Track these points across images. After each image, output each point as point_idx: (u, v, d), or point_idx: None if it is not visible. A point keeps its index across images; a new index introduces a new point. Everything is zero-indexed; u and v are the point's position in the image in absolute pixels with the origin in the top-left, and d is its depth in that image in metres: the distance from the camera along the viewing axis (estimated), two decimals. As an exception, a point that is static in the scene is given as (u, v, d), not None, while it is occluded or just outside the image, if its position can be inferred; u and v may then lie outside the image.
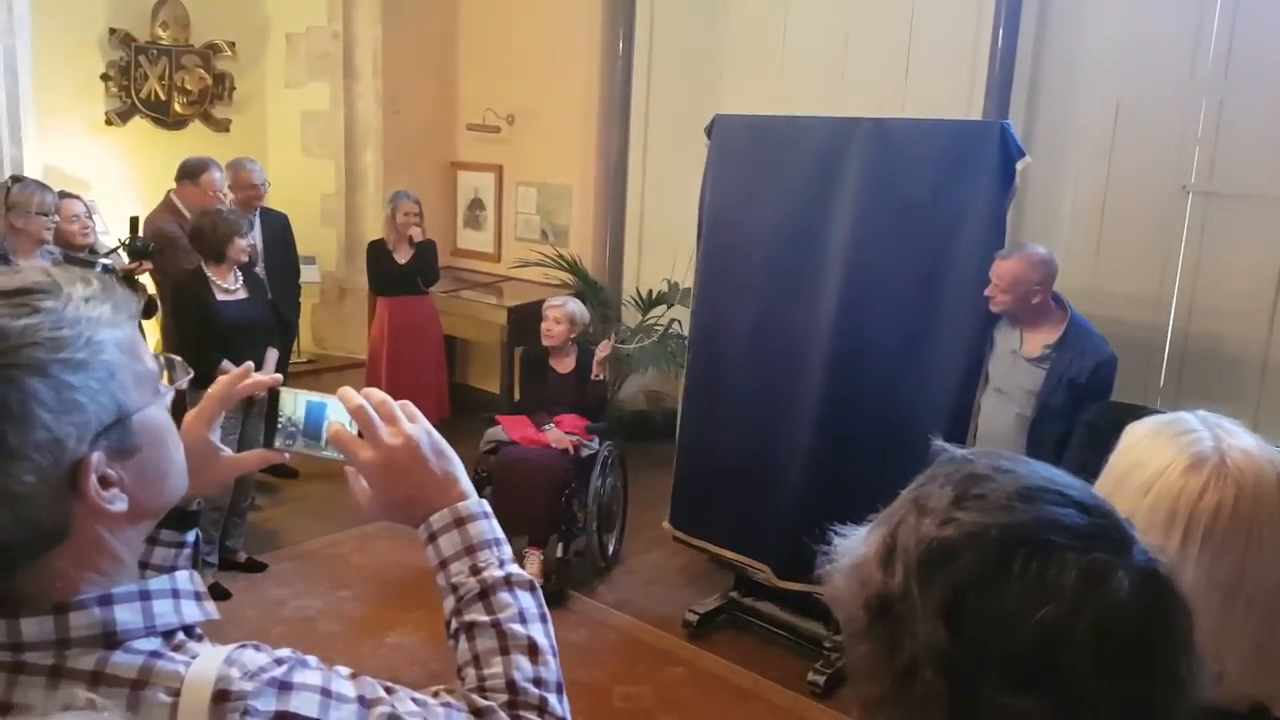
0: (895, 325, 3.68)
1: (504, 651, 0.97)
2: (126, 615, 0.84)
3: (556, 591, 4.37)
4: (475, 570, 1.00)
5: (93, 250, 4.50)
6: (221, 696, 0.82)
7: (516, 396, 5.25)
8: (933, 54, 4.95)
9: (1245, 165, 4.19)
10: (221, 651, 0.86)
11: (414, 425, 1.03)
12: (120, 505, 0.84)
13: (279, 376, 1.11)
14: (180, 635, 0.88)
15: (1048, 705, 0.68)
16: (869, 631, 0.76)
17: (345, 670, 0.91)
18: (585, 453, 4.59)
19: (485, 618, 0.98)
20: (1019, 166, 3.46)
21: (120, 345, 0.84)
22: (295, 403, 1.07)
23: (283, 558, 4.65)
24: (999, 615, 0.69)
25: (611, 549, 4.79)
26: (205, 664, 0.84)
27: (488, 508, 1.04)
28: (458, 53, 6.92)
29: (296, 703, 0.84)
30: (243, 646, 0.87)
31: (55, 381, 0.79)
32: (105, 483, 0.83)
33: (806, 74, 5.43)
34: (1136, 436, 1.11)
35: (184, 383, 0.97)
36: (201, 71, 6.44)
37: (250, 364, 1.13)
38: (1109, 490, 1.07)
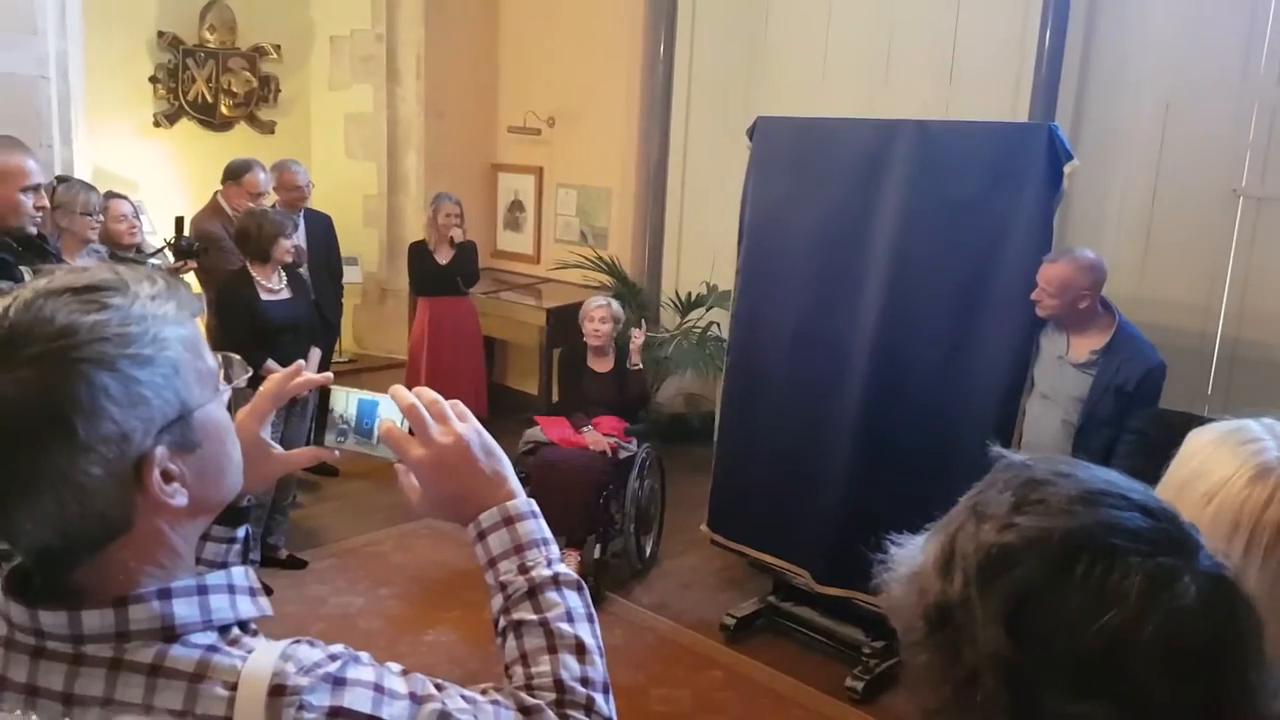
0: (939, 330, 3.64)
1: (551, 650, 0.97)
2: (184, 609, 0.86)
3: (593, 593, 4.35)
4: (523, 569, 1.00)
5: (139, 250, 4.58)
6: (278, 691, 0.83)
7: (555, 397, 5.26)
8: (978, 55, 4.90)
9: (1299, 170, 4.10)
10: (277, 646, 0.87)
11: (464, 424, 1.03)
12: (181, 500, 0.85)
13: (330, 375, 1.12)
14: (235, 630, 0.89)
15: (1115, 712, 0.67)
16: (928, 640, 0.75)
17: (396, 667, 0.92)
18: (623, 454, 4.59)
19: (533, 616, 0.98)
20: (1067, 170, 3.41)
21: (184, 342, 0.86)
22: (347, 401, 1.08)
23: (323, 555, 4.70)
24: (1062, 621, 0.68)
25: (649, 551, 4.78)
26: (261, 658, 0.85)
27: (535, 507, 1.05)
28: (499, 55, 6.96)
29: (350, 698, 0.85)
30: (297, 642, 0.88)
31: (123, 376, 0.80)
32: (167, 477, 0.84)
33: (849, 76, 5.39)
34: (1199, 444, 1.08)
35: (242, 381, 0.99)
36: (247, 74, 6.54)
37: (302, 362, 1.14)
38: (1168, 499, 1.05)
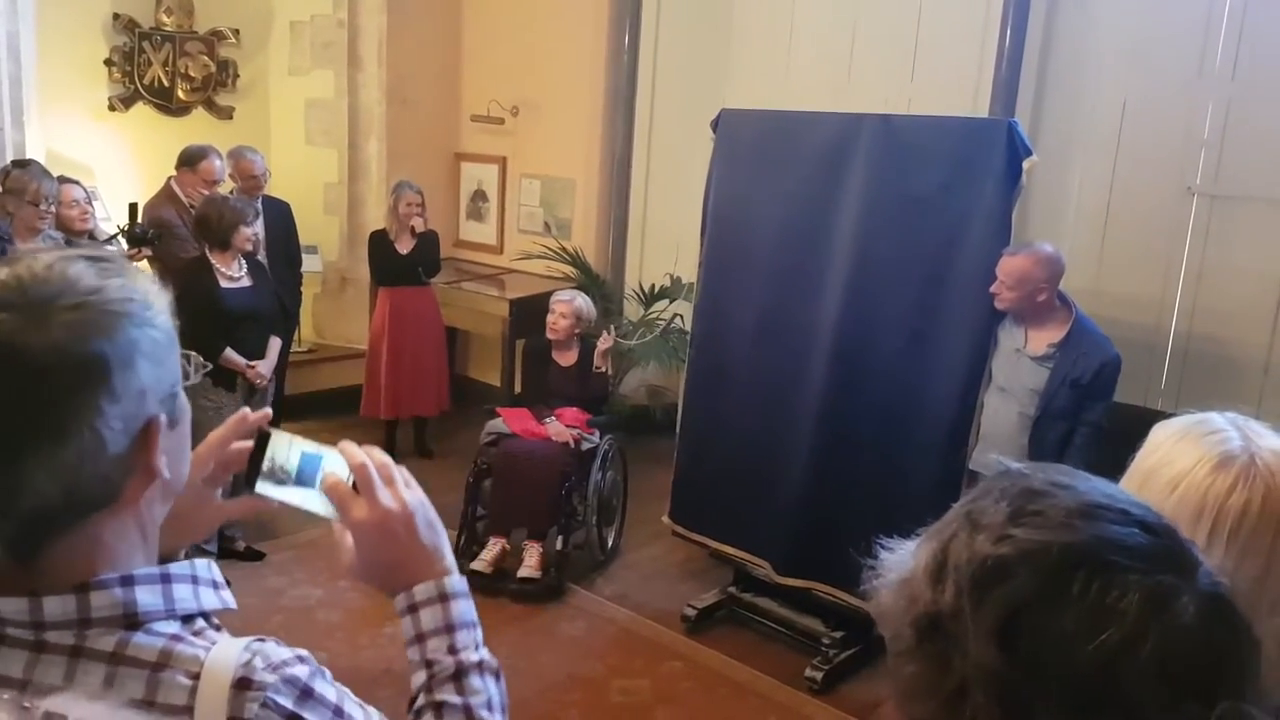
0: (899, 323, 3.68)
1: None
2: (147, 597, 0.85)
3: (555, 584, 4.37)
4: (452, 649, 0.99)
5: (92, 236, 4.48)
6: (243, 684, 0.83)
7: (517, 389, 5.24)
8: (940, 52, 4.94)
9: (1251, 168, 4.18)
10: (240, 640, 0.87)
11: (411, 492, 1.02)
12: (166, 473, 0.87)
13: (268, 413, 1.09)
14: (199, 621, 0.89)
15: None
16: (917, 650, 0.73)
17: (354, 698, 0.93)
18: (586, 446, 4.58)
19: (457, 699, 0.98)
20: (1026, 165, 3.44)
21: (170, 324, 0.89)
22: (290, 449, 1.03)
23: (281, 547, 4.65)
24: (1057, 638, 0.66)
25: (611, 542, 4.78)
26: (225, 650, 0.85)
27: (466, 587, 1.04)
28: (462, 43, 6.90)
29: (311, 713, 0.86)
30: (261, 639, 0.88)
31: (149, 334, 0.84)
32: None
33: (813, 70, 5.41)
34: (1164, 435, 1.10)
35: (197, 377, 0.98)
36: (205, 58, 6.42)
37: (246, 410, 1.13)
38: (1134, 488, 1.06)
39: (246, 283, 4.37)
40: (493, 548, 4.42)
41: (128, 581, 0.85)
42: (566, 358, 4.75)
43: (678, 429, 4.43)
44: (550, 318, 4.69)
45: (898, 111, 4.28)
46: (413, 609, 1.00)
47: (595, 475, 4.59)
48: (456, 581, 1.02)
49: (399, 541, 0.99)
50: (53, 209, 4.08)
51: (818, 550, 3.75)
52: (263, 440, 1.02)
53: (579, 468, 4.52)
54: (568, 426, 4.53)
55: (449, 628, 1.00)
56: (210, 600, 0.90)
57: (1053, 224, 4.50)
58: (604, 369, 4.75)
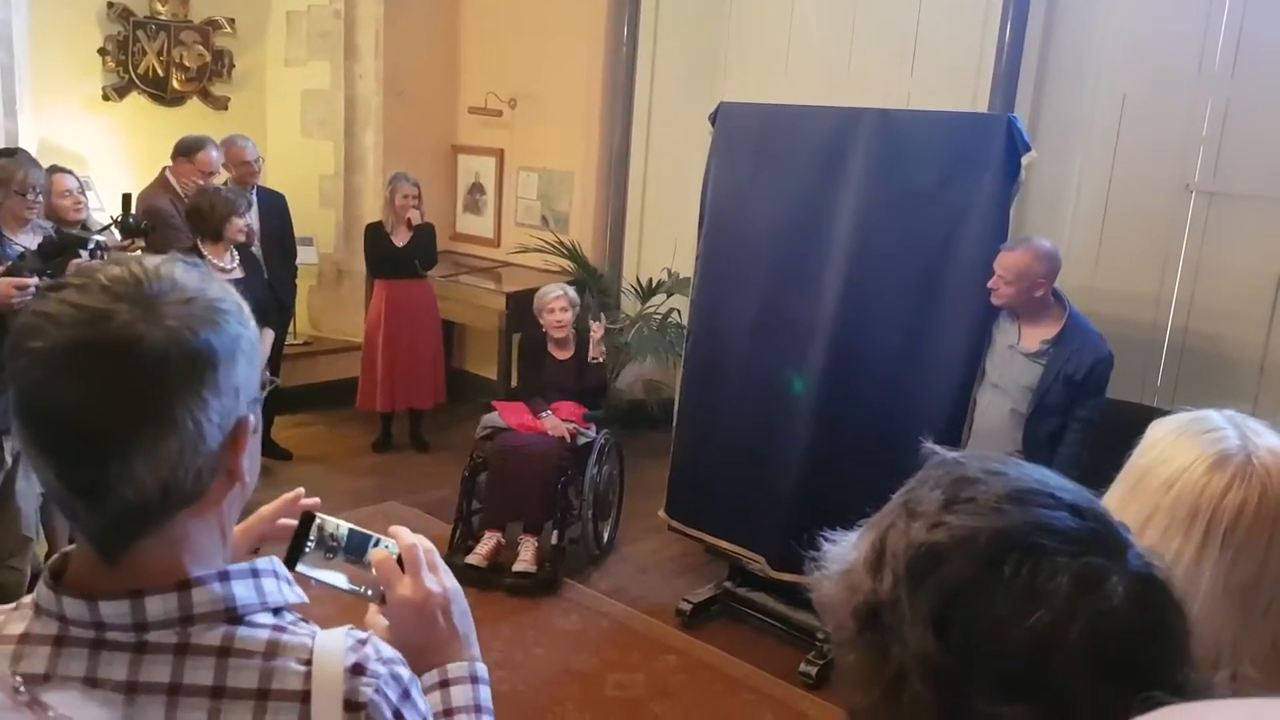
0: (896, 318, 3.67)
1: None
2: (243, 591, 0.89)
3: (551, 579, 4.36)
4: None
5: (85, 226, 4.44)
6: (357, 670, 0.87)
7: (514, 383, 5.23)
8: (939, 46, 4.93)
9: (1249, 165, 4.17)
10: (338, 630, 0.91)
11: (451, 580, 1.08)
12: (249, 477, 0.90)
13: (317, 501, 1.12)
14: (286, 614, 0.92)
15: (1039, 715, 0.66)
16: (858, 640, 0.74)
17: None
18: (582, 440, 4.57)
19: None
20: (1024, 161, 3.44)
21: (257, 330, 0.92)
22: (339, 527, 1.07)
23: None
24: (988, 622, 0.67)
25: (606, 537, 4.78)
26: (330, 638, 0.89)
27: (488, 676, 1.10)
28: (460, 34, 6.87)
29: (409, 712, 0.90)
30: (360, 631, 0.93)
31: (247, 335, 0.87)
32: None
33: (812, 64, 5.40)
34: (1160, 433, 1.09)
35: (264, 391, 0.99)
36: (200, 48, 6.38)
37: (301, 490, 1.14)
38: (1130, 486, 1.05)
39: (238, 274, 4.35)
40: (488, 541, 4.41)
41: (224, 577, 0.88)
42: (562, 351, 4.74)
43: (674, 423, 4.42)
44: (550, 317, 4.66)
45: (897, 106, 4.26)
46: (444, 684, 1.03)
47: (591, 469, 4.58)
48: (484, 670, 1.07)
49: (435, 623, 1.04)
50: (41, 198, 4.02)
51: (812, 545, 3.73)
52: (307, 521, 1.06)
53: (575, 462, 4.51)
54: (564, 420, 4.52)
55: (477, 708, 1.04)
56: (290, 594, 0.94)
57: (1051, 220, 4.50)
58: (599, 358, 4.74)
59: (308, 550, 1.05)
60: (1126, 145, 4.46)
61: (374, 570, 1.04)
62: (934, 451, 0.80)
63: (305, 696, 0.85)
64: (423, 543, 1.07)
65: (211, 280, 0.88)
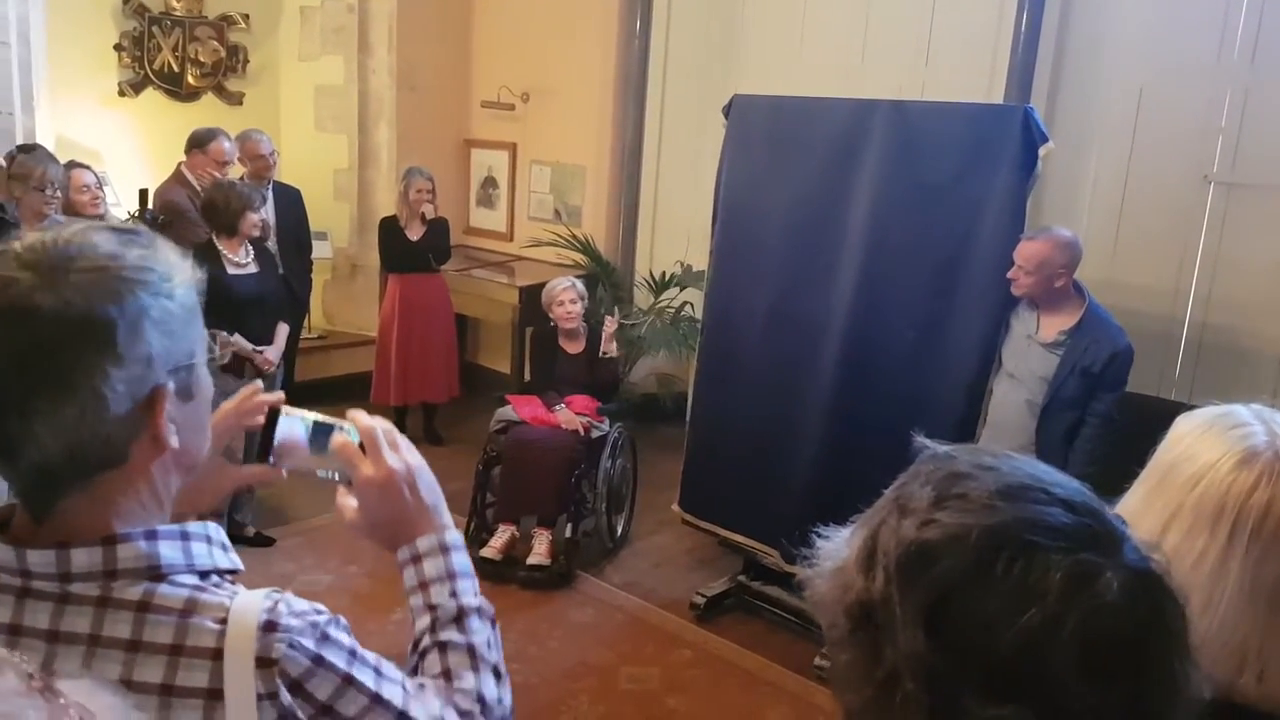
0: (911, 311, 3.65)
1: (476, 670, 1.04)
2: (169, 551, 0.91)
3: (564, 572, 4.36)
4: (454, 594, 1.06)
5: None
6: (269, 627, 0.88)
7: (527, 376, 5.23)
8: (954, 37, 4.89)
9: (1268, 156, 4.12)
10: (260, 590, 0.93)
11: (413, 456, 1.09)
12: (174, 441, 0.90)
13: (281, 395, 1.14)
14: (214, 577, 0.94)
15: (1032, 715, 0.64)
16: (850, 639, 0.73)
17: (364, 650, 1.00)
18: (595, 434, 4.57)
19: (460, 638, 1.05)
20: (1041, 152, 3.41)
21: (195, 301, 0.93)
22: (303, 420, 1.11)
23: (291, 533, 4.66)
24: (980, 621, 0.66)
25: (620, 530, 4.78)
26: (248, 598, 0.91)
27: (463, 542, 1.11)
28: (473, 28, 6.87)
29: (331, 654, 0.91)
30: (279, 590, 0.94)
31: (162, 304, 0.87)
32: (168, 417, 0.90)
33: (825, 56, 5.37)
34: (1185, 429, 1.06)
35: (227, 356, 1.00)
36: (215, 43, 6.41)
37: (259, 383, 1.19)
38: (1154, 484, 1.04)
39: (253, 269, 4.36)
40: (502, 535, 4.42)
41: (151, 536, 0.90)
42: (574, 345, 4.74)
43: (688, 417, 4.41)
44: (560, 310, 4.66)
45: (912, 97, 4.24)
46: (415, 560, 1.06)
47: (605, 463, 4.58)
48: (455, 536, 1.09)
49: (402, 499, 1.06)
50: (59, 194, 4.06)
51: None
52: (273, 416, 1.10)
53: (589, 455, 4.52)
54: (577, 414, 4.52)
55: (450, 575, 1.06)
56: (222, 560, 0.96)
57: (1068, 212, 4.46)
58: (611, 354, 4.73)
59: (277, 445, 1.09)
60: (1144, 136, 4.42)
61: (336, 455, 1.07)
62: (926, 445, 0.79)
63: (218, 654, 0.87)
64: (381, 423, 1.08)
65: (139, 247, 0.88)
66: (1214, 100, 4.25)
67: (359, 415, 1.08)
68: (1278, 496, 0.97)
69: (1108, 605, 0.65)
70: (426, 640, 1.05)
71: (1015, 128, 3.41)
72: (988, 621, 0.66)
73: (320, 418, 1.10)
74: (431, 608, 1.05)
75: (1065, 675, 0.64)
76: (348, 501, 1.07)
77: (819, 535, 0.80)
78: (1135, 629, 0.66)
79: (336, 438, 1.07)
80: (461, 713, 1.00)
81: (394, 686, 0.95)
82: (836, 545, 0.78)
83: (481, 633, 1.05)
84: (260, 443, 1.09)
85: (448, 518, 1.10)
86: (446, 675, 1.03)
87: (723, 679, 3.75)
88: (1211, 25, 4.21)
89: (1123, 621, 0.66)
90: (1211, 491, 0.99)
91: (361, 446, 1.06)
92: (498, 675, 1.05)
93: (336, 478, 1.08)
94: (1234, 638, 0.94)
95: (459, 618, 1.05)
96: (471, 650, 1.04)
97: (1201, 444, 1.02)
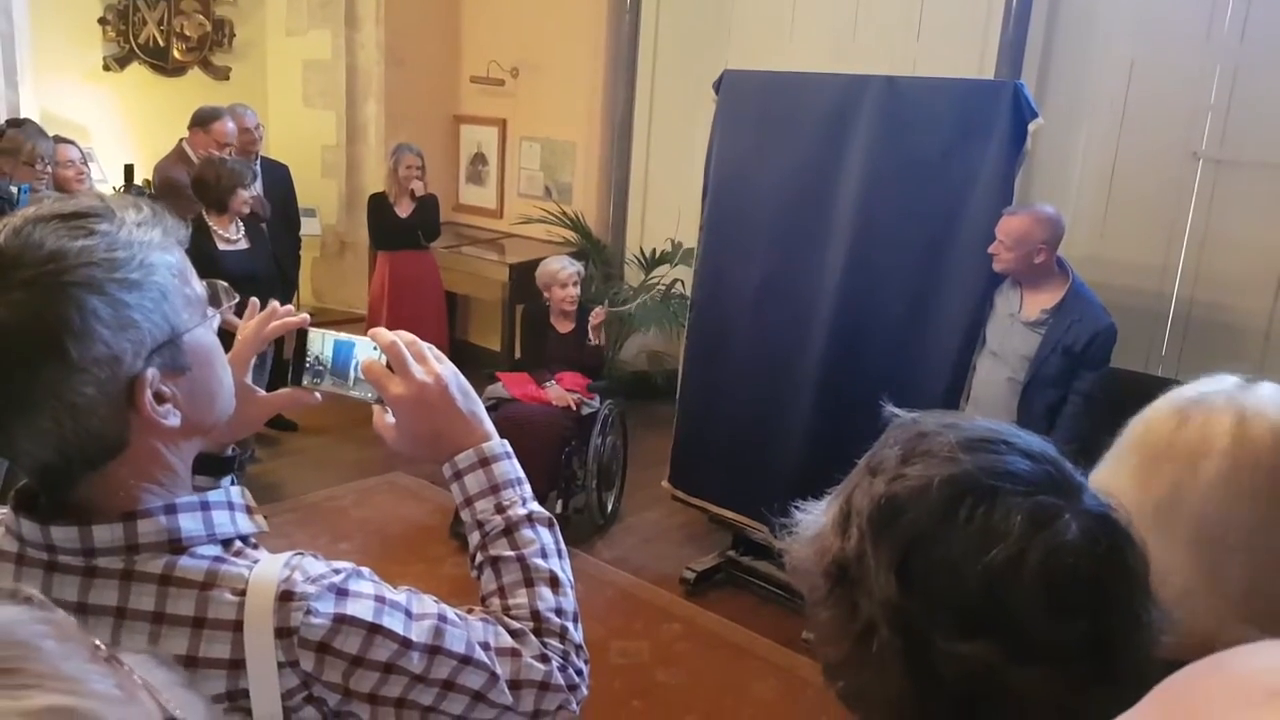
0: (900, 287, 3.66)
1: (528, 584, 1.02)
2: (189, 523, 0.91)
3: (555, 548, 4.38)
4: (500, 508, 1.04)
5: (91, 198, 4.45)
6: (286, 596, 0.89)
7: (517, 354, 5.23)
8: (945, 12, 4.87)
9: (1257, 133, 4.13)
10: (280, 557, 0.93)
11: (443, 365, 1.06)
12: (173, 420, 0.89)
13: (306, 316, 1.12)
14: (237, 544, 0.95)
15: (999, 649, 0.67)
16: (829, 598, 0.76)
17: (400, 588, 0.98)
18: (586, 411, 4.58)
19: (510, 552, 1.03)
20: (1031, 128, 3.41)
21: (171, 269, 0.88)
22: (323, 342, 1.08)
23: (282, 510, 4.66)
24: (947, 564, 0.69)
25: (610, 507, 4.80)
26: (267, 567, 0.91)
27: (509, 448, 1.08)
28: (462, 3, 6.81)
29: (353, 608, 0.90)
30: (301, 554, 0.94)
31: (112, 299, 0.83)
32: (159, 398, 0.88)
33: (817, 31, 5.34)
34: (1160, 400, 1.06)
35: (229, 309, 0.99)
36: (201, 17, 6.35)
37: (276, 303, 1.15)
38: (1115, 449, 1.03)
39: (244, 245, 4.35)
40: (493, 511, 4.43)
41: (170, 509, 0.90)
42: (564, 324, 4.74)
43: (678, 394, 4.43)
44: (561, 293, 4.64)
45: (903, 72, 4.23)
46: (457, 475, 1.05)
47: (595, 440, 4.60)
48: (496, 445, 1.06)
49: (436, 412, 1.03)
50: (49, 169, 4.04)
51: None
52: (302, 338, 1.07)
53: (579, 432, 4.53)
54: (568, 391, 4.53)
55: (494, 488, 1.05)
56: (246, 524, 0.96)
57: (1057, 188, 4.47)
58: (598, 343, 4.74)
59: (306, 366, 1.06)
60: (1134, 112, 4.42)
61: (364, 376, 1.04)
62: (895, 414, 0.83)
63: (238, 626, 0.88)
64: (403, 336, 1.05)
65: (85, 237, 0.83)
66: (1204, 77, 4.25)
67: (380, 332, 1.05)
68: (1218, 436, 0.93)
69: (1067, 544, 0.68)
70: (479, 557, 1.04)
71: (1005, 103, 3.41)
72: (954, 563, 0.69)
73: (342, 336, 1.08)
74: (479, 524, 1.04)
75: (1029, 611, 0.67)
76: (385, 420, 1.04)
77: (798, 509, 0.83)
78: (1095, 567, 0.69)
79: (363, 358, 1.04)
80: (513, 633, 0.98)
81: (427, 624, 0.94)
82: (814, 516, 0.82)
83: (533, 542, 1.04)
84: (291, 367, 1.07)
85: (488, 425, 1.07)
86: (500, 593, 1.02)
87: (712, 653, 3.79)
88: (1202, 2, 4.20)
89: (1082, 560, 0.68)
90: (1149, 437, 0.97)
91: (389, 365, 1.03)
92: (554, 583, 1.03)
93: (370, 397, 1.05)
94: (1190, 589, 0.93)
95: (507, 531, 1.03)
96: (522, 562, 1.02)
97: (1160, 403, 1.01)
